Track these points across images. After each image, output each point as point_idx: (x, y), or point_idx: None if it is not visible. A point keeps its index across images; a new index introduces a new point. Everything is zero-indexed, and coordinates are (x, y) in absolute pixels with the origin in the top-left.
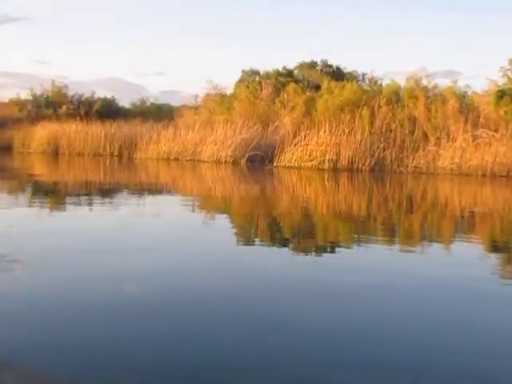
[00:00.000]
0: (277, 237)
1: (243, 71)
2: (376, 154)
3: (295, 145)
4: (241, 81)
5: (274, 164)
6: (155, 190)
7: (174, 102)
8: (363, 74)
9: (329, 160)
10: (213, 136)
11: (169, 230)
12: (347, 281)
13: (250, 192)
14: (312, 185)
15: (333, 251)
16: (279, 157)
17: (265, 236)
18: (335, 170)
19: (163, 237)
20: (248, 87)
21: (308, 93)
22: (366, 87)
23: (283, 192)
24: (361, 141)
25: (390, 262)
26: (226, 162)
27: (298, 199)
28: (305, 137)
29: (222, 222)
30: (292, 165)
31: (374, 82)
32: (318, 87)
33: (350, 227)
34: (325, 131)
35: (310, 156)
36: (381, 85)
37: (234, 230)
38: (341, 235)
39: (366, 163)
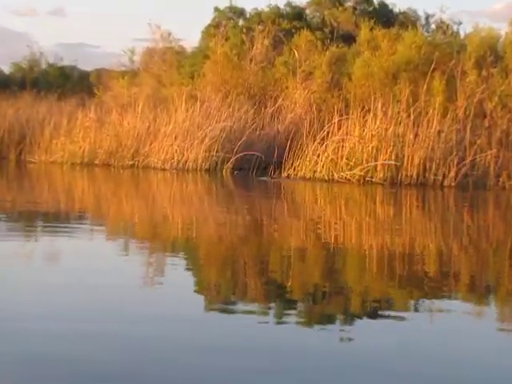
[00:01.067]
0: (277, 301)
1: (217, 10)
2: (469, 158)
3: (321, 140)
4: (213, 26)
5: (284, 173)
6: (62, 216)
7: (87, 64)
8: (427, 16)
9: (384, 167)
10: (170, 124)
11: (66, 285)
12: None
13: (236, 223)
14: (353, 210)
15: (369, 327)
16: (293, 161)
17: (255, 300)
18: (395, 184)
19: (47, 303)
20: (227, 38)
21: (334, 48)
22: (436, 38)
23: (298, 223)
24: (438, 133)
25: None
26: (195, 169)
27: (324, 236)
28: (339, 126)
29: (178, 274)
30: (316, 175)
31: (447, 29)
32: (349, 38)
33: (412, 288)
34: (375, 116)
35: (348, 160)
36: (457, 33)
37: (197, 290)
38: (392, 300)
39: (451, 173)
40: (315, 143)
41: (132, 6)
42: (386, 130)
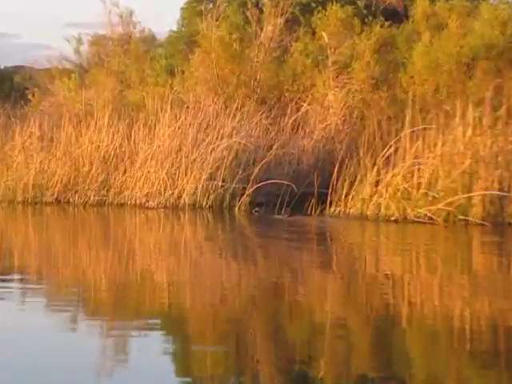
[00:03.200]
0: None
1: None
2: None
3: (387, 161)
4: (197, 1)
5: (331, 210)
6: None
7: (3, 60)
8: None
9: (484, 200)
10: (154, 142)
11: None
12: None
13: (264, 292)
14: (438, 270)
15: None
16: (343, 193)
17: None
18: (500, 224)
19: None
20: (222, 18)
21: (378, 27)
22: None
23: (352, 296)
24: None
25: None
26: (193, 206)
27: (391, 319)
28: (411, 142)
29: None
30: (381, 213)
31: None
32: (394, 15)
33: None
34: (465, 125)
35: (429, 190)
36: None
37: None
38: None
39: None
40: (376, 166)
41: None
42: (484, 145)
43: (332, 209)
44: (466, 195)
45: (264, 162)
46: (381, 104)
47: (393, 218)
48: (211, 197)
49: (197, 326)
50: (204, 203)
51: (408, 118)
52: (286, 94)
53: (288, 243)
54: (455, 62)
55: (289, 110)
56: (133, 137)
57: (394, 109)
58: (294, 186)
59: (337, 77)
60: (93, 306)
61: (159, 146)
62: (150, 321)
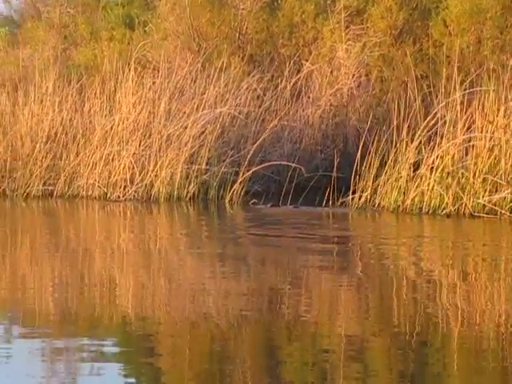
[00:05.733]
0: None
1: None
2: None
3: (433, 136)
4: None
5: (356, 201)
6: None
7: None
8: None
9: None
10: (115, 115)
11: None
12: None
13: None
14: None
15: None
16: (369, 179)
17: None
18: None
19: None
20: None
21: None
22: None
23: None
24: None
25: None
26: (169, 198)
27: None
28: (461, 109)
29: None
30: (424, 205)
31: None
32: None
33: None
34: None
35: (488, 172)
36: None
37: None
38: None
39: None
40: (416, 142)
41: None
42: None
43: (356, 199)
44: None
45: (262, 138)
46: (406, 61)
47: (443, 212)
48: (193, 185)
49: (169, 361)
50: (184, 194)
51: (455, 79)
52: (282, 51)
53: (297, 245)
54: (502, 5)
55: (286, 71)
56: (86, 107)
57: (422, 67)
58: (303, 170)
59: (347, 27)
60: (32, 336)
61: (122, 120)
62: (107, 352)
